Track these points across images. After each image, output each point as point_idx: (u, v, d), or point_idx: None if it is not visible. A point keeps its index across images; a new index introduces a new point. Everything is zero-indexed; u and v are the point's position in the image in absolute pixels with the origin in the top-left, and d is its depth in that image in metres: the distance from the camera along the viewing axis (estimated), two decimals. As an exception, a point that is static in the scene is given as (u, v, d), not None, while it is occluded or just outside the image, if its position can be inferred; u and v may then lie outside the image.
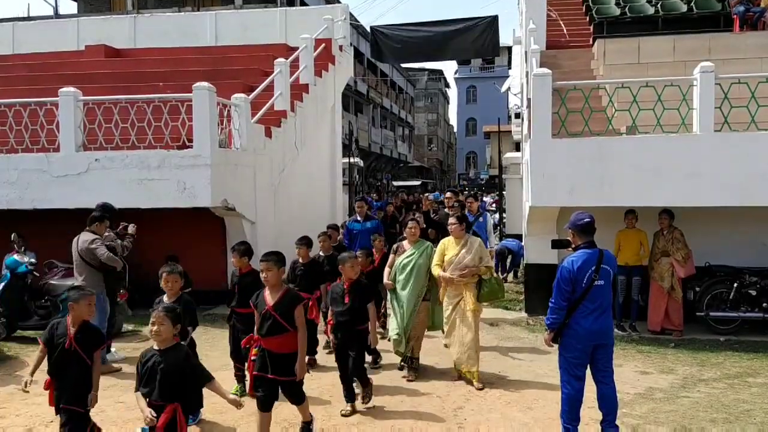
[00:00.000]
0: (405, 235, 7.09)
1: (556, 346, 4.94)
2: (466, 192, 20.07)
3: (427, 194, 18.96)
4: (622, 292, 8.63)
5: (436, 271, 6.65)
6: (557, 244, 6.07)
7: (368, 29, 14.97)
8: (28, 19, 25.73)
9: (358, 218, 9.68)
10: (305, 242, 7.25)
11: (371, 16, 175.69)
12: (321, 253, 7.70)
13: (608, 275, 4.80)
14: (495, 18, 14.52)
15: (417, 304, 6.72)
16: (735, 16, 11.41)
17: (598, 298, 4.74)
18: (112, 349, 7.48)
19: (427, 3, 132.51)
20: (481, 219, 9.74)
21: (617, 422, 4.91)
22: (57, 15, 28.76)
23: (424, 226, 8.13)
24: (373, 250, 8.19)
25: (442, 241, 6.78)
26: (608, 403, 4.86)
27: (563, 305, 4.76)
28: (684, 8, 11.93)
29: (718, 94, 8.01)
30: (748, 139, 7.91)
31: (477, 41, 14.56)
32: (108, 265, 7.14)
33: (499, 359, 7.51)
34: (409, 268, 6.75)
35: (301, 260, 7.23)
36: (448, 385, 6.55)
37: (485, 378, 6.64)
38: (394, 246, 7.20)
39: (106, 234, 7.35)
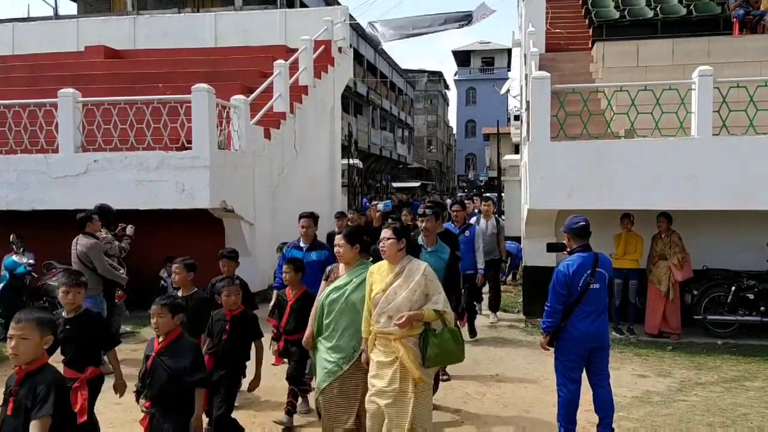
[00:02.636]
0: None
1: (552, 350, 4.95)
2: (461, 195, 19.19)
3: (375, 203, 15.35)
4: (618, 296, 8.63)
5: (364, 329, 4.28)
6: (552, 248, 6.10)
7: (366, 29, 15.15)
8: (28, 19, 25.74)
9: (301, 244, 6.30)
10: (189, 265, 5.36)
11: (371, 17, 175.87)
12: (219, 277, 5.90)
13: (604, 278, 4.81)
14: (492, 11, 14.85)
15: (351, 359, 4.40)
16: (735, 20, 11.44)
17: (594, 301, 4.75)
18: (110, 351, 7.46)
19: (427, 6, 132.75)
20: (467, 233, 8.07)
21: (614, 425, 4.91)
22: (57, 16, 28.76)
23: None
24: (287, 290, 5.56)
25: (370, 270, 4.33)
26: (604, 406, 4.86)
27: (559, 309, 4.78)
28: (683, 11, 11.97)
29: (716, 98, 8.01)
30: (747, 143, 7.92)
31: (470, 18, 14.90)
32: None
33: (496, 362, 7.51)
34: (337, 307, 4.43)
35: (180, 291, 5.32)
36: (444, 387, 6.54)
37: (483, 380, 6.64)
38: (327, 269, 4.83)
39: (103, 235, 7.35)
